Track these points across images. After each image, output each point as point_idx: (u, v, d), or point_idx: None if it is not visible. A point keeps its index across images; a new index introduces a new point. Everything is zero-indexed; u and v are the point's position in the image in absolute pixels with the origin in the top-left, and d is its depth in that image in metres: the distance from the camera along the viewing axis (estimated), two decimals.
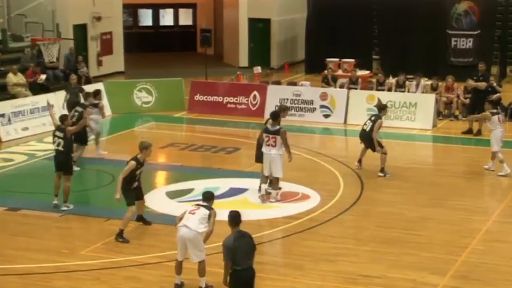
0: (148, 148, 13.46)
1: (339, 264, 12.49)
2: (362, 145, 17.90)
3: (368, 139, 17.51)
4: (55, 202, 15.17)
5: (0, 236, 13.82)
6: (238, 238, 9.67)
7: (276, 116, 15.35)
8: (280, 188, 15.80)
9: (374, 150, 17.49)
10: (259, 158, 15.86)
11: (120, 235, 13.45)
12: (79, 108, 17.94)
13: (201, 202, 11.53)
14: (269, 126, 15.36)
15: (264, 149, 15.36)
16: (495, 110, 18.05)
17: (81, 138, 17.77)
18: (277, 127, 15.21)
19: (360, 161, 17.99)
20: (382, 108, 18.05)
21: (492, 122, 17.66)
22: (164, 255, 12.70)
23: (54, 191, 15.23)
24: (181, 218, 11.30)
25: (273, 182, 15.51)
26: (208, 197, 11.52)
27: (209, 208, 11.33)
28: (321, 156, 19.12)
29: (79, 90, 21.51)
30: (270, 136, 15.20)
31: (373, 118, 17.69)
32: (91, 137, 19.09)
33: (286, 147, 15.26)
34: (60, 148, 15.22)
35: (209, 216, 11.22)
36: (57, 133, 15.29)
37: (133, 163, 13.34)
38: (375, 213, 15.07)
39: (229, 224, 9.92)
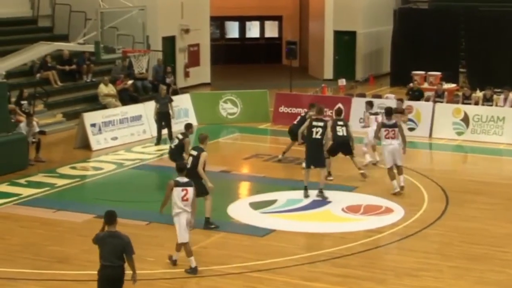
0: (207, 138, 14.64)
1: (423, 279, 12.36)
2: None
3: None
4: None
5: (88, 243, 14.17)
6: (108, 237, 10.28)
7: (390, 111, 17.25)
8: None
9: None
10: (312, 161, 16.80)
11: (207, 223, 14.55)
12: (179, 136, 17.09)
13: (179, 179, 12.33)
14: (385, 121, 17.12)
15: (385, 141, 16.86)
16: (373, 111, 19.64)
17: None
18: (393, 121, 16.94)
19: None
20: None
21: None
22: (246, 265, 12.84)
23: None
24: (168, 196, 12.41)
25: (398, 171, 16.90)
26: (183, 167, 12.62)
27: (190, 184, 12.36)
28: (405, 170, 18.93)
29: (168, 101, 22.06)
30: (390, 129, 16.82)
31: None
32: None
33: (403, 138, 16.90)
34: None
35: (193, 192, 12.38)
36: None
37: (205, 153, 14.30)
38: (460, 229, 14.85)
39: (104, 221, 10.42)
